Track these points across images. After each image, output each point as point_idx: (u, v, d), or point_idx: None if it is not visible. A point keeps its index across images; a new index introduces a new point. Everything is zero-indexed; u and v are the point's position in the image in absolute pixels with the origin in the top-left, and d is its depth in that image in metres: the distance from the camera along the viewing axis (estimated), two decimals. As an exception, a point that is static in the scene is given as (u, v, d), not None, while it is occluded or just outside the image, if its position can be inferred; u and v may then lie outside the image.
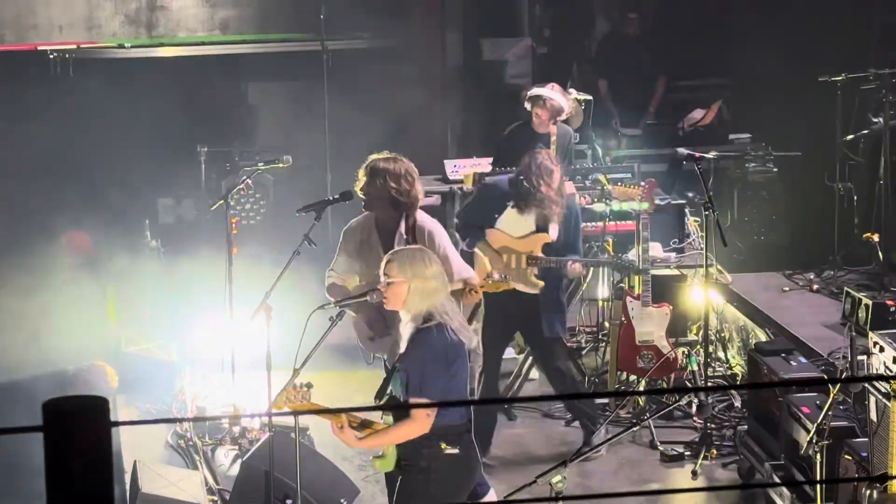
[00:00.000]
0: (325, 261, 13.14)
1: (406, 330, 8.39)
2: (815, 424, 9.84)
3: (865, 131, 14.32)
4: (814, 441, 9.83)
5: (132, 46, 18.10)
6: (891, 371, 8.76)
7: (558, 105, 12.47)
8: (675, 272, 12.70)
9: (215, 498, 10.56)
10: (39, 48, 17.94)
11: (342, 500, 10.32)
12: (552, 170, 11.28)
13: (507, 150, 12.71)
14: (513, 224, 11.41)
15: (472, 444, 8.46)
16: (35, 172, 16.96)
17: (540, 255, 11.35)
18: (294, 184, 14.86)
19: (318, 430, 11.49)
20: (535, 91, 12.66)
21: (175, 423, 11.68)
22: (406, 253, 8.62)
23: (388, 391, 8.44)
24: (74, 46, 18.01)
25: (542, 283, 11.39)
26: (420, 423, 8.13)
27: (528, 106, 12.55)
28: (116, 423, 2.95)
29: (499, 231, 11.38)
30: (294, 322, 9.68)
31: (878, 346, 9.03)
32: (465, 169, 13.45)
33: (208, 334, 13.06)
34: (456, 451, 8.25)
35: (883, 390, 8.78)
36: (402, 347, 8.39)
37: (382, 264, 8.52)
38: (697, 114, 16.90)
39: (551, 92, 12.65)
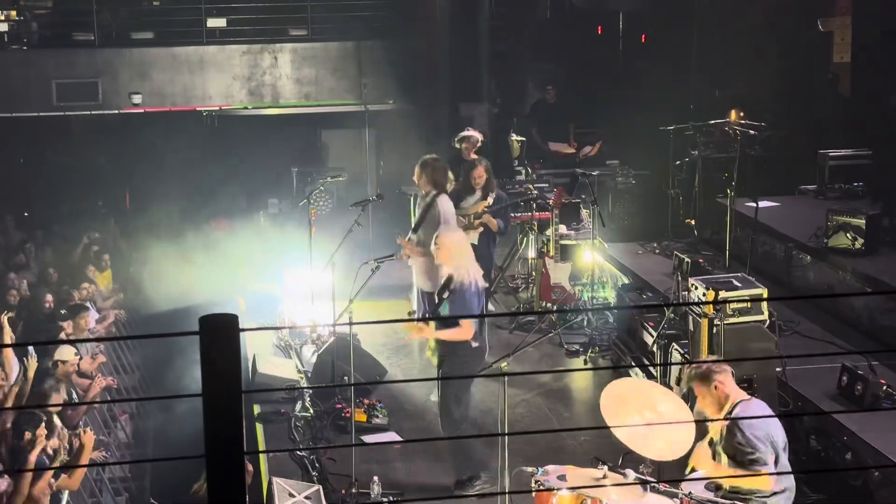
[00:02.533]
0: (368, 236, 13.18)
1: (449, 277, 8.47)
2: (657, 332, 9.89)
3: (686, 159, 14.32)
4: (656, 342, 9.87)
5: (252, 108, 18.05)
6: (701, 299, 8.78)
7: (476, 139, 12.25)
8: (574, 242, 12.66)
9: (302, 376, 10.56)
10: (197, 109, 17.90)
11: (377, 377, 10.34)
12: (476, 165, 11.40)
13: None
14: (470, 200, 11.38)
15: (484, 341, 8.77)
16: (193, 184, 16.96)
17: (480, 210, 11.32)
18: (348, 189, 14.84)
19: (363, 335, 11.51)
20: (462, 134, 12.36)
21: (278, 330, 11.66)
22: (447, 235, 8.64)
23: (438, 311, 8.57)
24: (218, 108, 17.97)
25: (482, 228, 11.37)
26: (467, 332, 8.37)
27: (457, 145, 12.33)
28: (243, 330, 2.96)
29: (460, 208, 11.33)
30: (349, 272, 9.70)
31: (694, 286, 9.06)
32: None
33: (298, 278, 13.07)
34: (477, 344, 8.46)
35: (696, 311, 8.82)
36: (449, 289, 8.47)
37: (434, 238, 8.59)
38: (587, 149, 16.86)
39: (471, 132, 12.46)
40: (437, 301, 8.72)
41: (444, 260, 8.53)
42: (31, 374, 9.55)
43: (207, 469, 2.90)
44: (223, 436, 2.88)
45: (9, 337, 10.52)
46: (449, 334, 8.47)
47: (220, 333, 2.87)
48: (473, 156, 12.08)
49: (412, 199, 11.46)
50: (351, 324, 8.92)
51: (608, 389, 7.11)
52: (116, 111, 17.66)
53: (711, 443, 6.87)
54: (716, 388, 6.72)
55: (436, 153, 12.19)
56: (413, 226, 10.06)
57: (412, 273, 10.46)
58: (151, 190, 16.47)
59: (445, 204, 10.12)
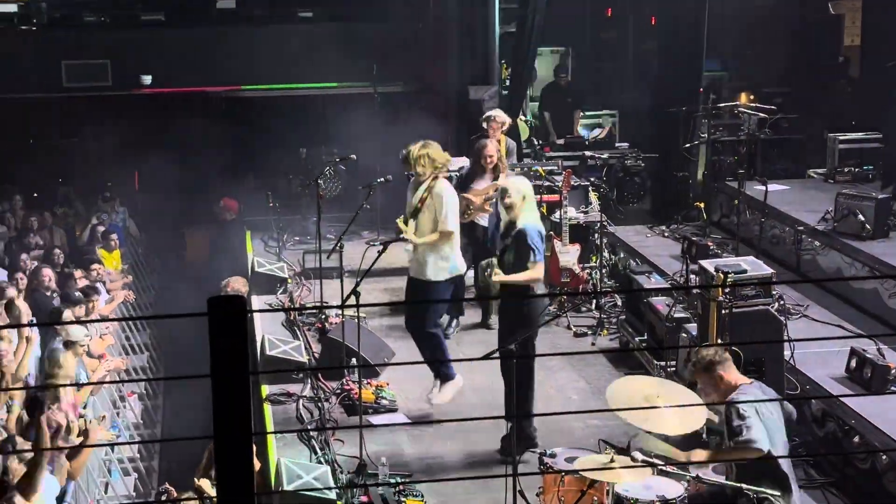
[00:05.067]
0: (376, 218, 13.14)
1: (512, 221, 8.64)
2: (665, 315, 9.87)
3: (696, 142, 14.30)
4: (664, 325, 9.85)
5: (261, 89, 18.03)
6: (710, 282, 8.76)
7: (502, 119, 12.19)
8: (583, 224, 12.64)
9: (310, 357, 10.56)
10: (206, 90, 17.91)
11: (385, 358, 10.34)
12: (486, 144, 11.34)
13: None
14: (481, 182, 11.36)
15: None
16: (202, 166, 16.95)
17: (493, 192, 11.23)
18: (357, 171, 14.83)
19: (371, 316, 11.53)
20: (488, 114, 12.34)
21: (286, 312, 11.65)
22: (513, 181, 8.96)
23: (504, 258, 8.65)
24: (227, 89, 17.98)
25: (491, 210, 11.31)
26: (539, 272, 8.55)
27: (484, 125, 12.25)
28: (251, 311, 2.95)
29: (471, 189, 11.30)
30: (357, 253, 9.69)
31: (702, 270, 9.04)
32: (458, 162, 13.12)
33: (305, 259, 13.09)
34: (542, 288, 8.80)
35: (705, 295, 8.80)
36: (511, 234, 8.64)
37: (501, 193, 8.83)
38: (597, 131, 16.83)
39: (497, 112, 12.41)
40: (501, 247, 8.81)
41: (511, 206, 8.58)
42: (28, 352, 9.51)
43: (216, 450, 2.91)
44: (231, 417, 2.87)
45: (25, 315, 10.56)
46: (520, 277, 8.51)
47: (228, 315, 2.86)
48: (499, 136, 12.01)
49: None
50: (358, 305, 8.89)
51: (612, 388, 7.07)
52: (126, 92, 17.65)
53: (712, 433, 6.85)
54: (721, 378, 6.67)
55: (444, 135, 12.14)
56: (411, 212, 9.47)
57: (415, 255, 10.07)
58: (160, 171, 16.46)
59: (446, 187, 9.56)
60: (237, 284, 10.17)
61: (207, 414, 2.92)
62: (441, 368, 9.48)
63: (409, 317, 9.65)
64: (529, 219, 8.63)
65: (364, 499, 7.94)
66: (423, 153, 9.37)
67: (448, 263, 9.34)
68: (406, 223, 9.41)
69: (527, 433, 8.63)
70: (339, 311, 10.89)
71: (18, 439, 8.03)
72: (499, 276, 8.61)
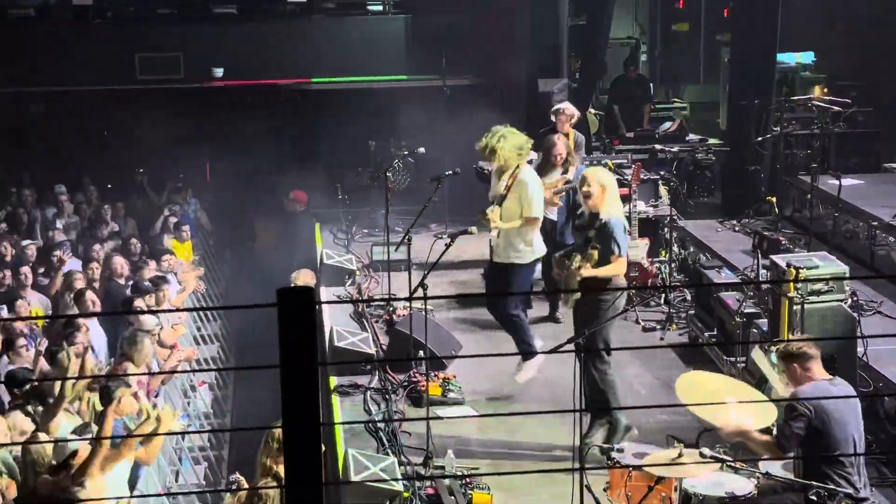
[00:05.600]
0: (443, 212, 13.11)
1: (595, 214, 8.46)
2: (736, 311, 9.78)
3: (769, 135, 14.15)
4: (735, 320, 9.77)
5: (332, 81, 18.10)
6: (781, 277, 8.67)
7: (571, 112, 12.15)
8: (652, 218, 12.56)
9: (377, 349, 10.60)
10: (277, 82, 18.04)
11: (452, 351, 10.36)
12: (555, 142, 11.22)
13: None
14: (550, 177, 11.29)
15: None
16: (272, 158, 17.11)
17: (562, 186, 11.20)
18: (425, 164, 14.84)
19: (438, 310, 11.55)
20: (557, 106, 12.31)
21: (354, 303, 11.71)
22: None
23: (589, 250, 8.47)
24: (298, 81, 18.09)
25: (560, 203, 11.27)
26: (623, 266, 8.53)
27: (552, 117, 12.21)
28: (319, 303, 2.98)
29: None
30: (425, 246, 9.72)
31: (774, 265, 8.95)
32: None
33: (373, 251, 13.14)
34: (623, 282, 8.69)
35: (776, 290, 8.71)
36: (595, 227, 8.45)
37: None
38: (667, 124, 16.71)
39: (566, 104, 12.36)
40: (582, 238, 8.67)
41: (589, 194, 8.46)
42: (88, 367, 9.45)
43: (284, 440, 2.94)
44: (300, 407, 2.90)
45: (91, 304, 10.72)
46: (603, 271, 8.43)
47: (297, 306, 2.88)
48: (568, 129, 11.95)
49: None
50: (426, 298, 8.90)
51: (681, 380, 7.05)
52: (198, 85, 17.84)
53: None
54: (796, 369, 6.60)
55: (515, 127, 12.07)
56: (497, 198, 9.51)
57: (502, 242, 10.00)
58: (230, 163, 16.64)
59: (531, 173, 9.66)
60: (307, 277, 10.23)
61: (276, 404, 2.95)
62: (522, 346, 9.51)
63: (491, 300, 9.74)
64: (614, 212, 8.49)
65: (430, 491, 7.98)
66: (502, 145, 9.36)
67: (532, 248, 9.43)
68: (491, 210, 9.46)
69: (624, 424, 8.63)
70: (407, 304, 10.93)
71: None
72: (587, 270, 8.43)
